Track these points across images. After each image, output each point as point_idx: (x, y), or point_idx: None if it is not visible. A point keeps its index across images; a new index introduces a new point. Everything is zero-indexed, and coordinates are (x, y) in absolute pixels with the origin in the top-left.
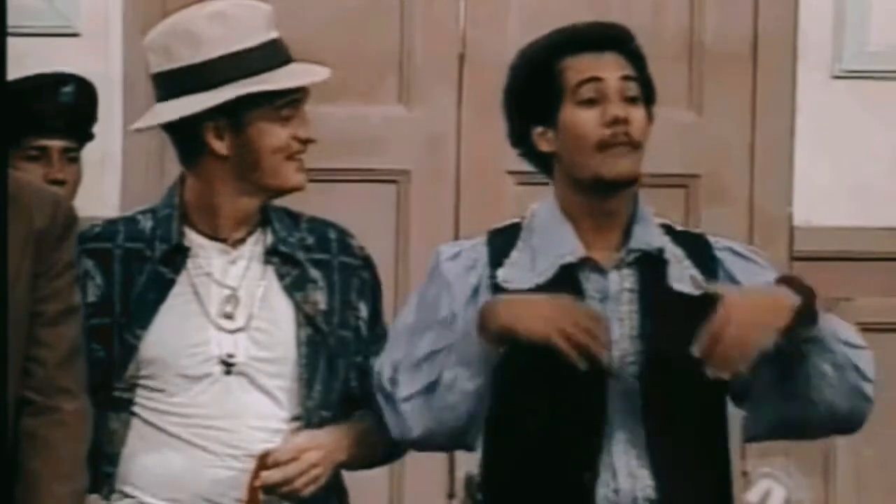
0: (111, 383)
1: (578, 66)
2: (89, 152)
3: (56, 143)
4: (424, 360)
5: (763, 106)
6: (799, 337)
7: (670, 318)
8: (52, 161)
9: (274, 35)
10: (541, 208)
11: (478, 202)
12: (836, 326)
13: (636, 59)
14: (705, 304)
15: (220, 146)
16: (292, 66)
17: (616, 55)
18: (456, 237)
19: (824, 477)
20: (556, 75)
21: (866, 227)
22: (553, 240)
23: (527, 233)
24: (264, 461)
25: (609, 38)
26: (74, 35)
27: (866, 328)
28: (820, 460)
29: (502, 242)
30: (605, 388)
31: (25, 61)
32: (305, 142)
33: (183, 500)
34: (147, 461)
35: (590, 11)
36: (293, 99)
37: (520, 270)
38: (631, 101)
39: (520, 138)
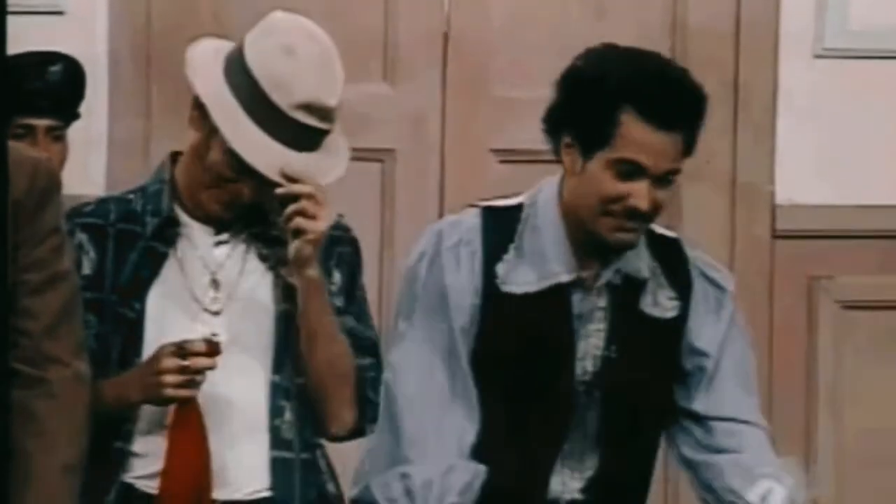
0: (115, 361)
1: (637, 139)
2: (74, 132)
3: (42, 122)
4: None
5: (745, 84)
6: None
7: (635, 341)
8: (37, 139)
9: (326, 102)
10: (543, 205)
11: (462, 180)
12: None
13: (696, 131)
14: (673, 328)
15: (196, 122)
16: (297, 155)
17: (678, 137)
18: (440, 215)
19: (805, 454)
20: (614, 124)
21: (848, 206)
22: (551, 251)
23: (527, 230)
24: None
25: (684, 118)
26: (59, 13)
27: (848, 306)
28: (801, 437)
29: (499, 231)
30: (571, 402)
31: (10, 40)
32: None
33: None
34: (144, 437)
35: None
36: None
37: (515, 272)
38: (663, 182)
39: (551, 132)
